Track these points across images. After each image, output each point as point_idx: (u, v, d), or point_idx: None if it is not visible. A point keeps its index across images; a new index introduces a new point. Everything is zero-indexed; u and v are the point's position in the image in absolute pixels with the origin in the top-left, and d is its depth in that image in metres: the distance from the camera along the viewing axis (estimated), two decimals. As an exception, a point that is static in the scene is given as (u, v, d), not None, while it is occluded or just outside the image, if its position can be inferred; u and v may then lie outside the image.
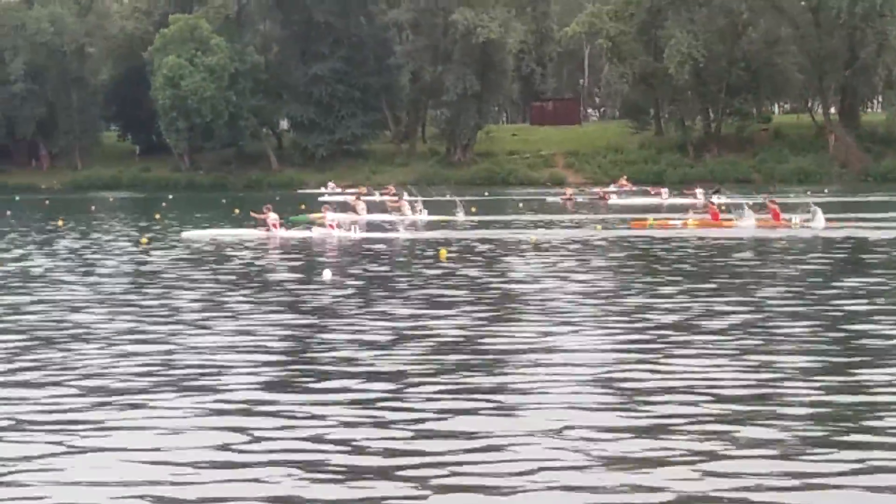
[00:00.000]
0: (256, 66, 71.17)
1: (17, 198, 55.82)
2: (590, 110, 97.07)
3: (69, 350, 10.78)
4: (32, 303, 14.55)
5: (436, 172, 67.74)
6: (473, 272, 17.89)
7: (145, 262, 20.62)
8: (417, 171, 67.81)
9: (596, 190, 50.11)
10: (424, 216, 33.84)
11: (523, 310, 13.42)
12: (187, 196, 58.45)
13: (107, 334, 11.71)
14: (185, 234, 27.29)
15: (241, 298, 14.80)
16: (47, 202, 51.15)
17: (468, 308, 13.28)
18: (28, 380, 9.38)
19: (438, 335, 11.31)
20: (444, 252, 20.89)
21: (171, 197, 54.52)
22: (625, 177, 57.77)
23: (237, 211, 38.60)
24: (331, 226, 27.51)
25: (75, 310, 13.63)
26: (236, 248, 23.64)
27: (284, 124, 78.90)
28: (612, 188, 52.07)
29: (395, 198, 38.98)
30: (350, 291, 15.49)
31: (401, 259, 21.42)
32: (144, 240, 24.70)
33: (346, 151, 71.64)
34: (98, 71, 78.82)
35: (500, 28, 65.74)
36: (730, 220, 29.59)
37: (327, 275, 17.28)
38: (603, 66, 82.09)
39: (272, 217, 27.39)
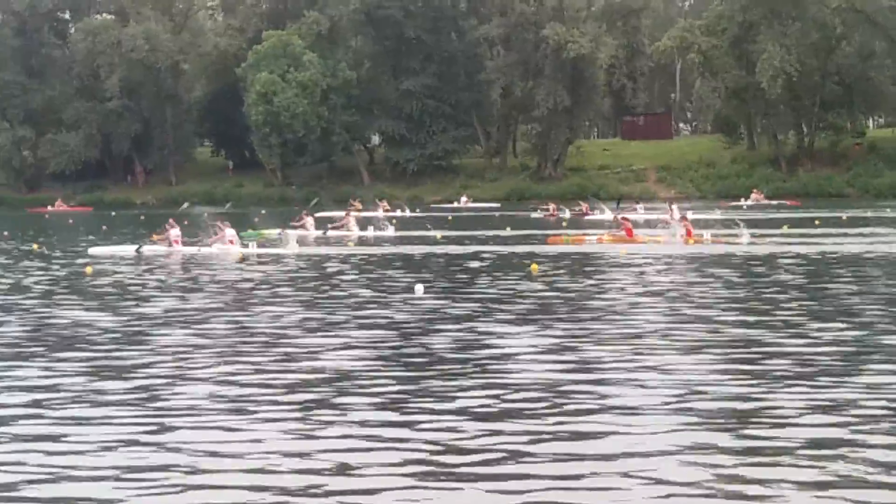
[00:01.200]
0: (348, 82, 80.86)
1: (113, 213, 65.24)
2: (681, 125, 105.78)
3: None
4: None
5: (527, 187, 76.48)
6: (563, 284, 19.98)
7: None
8: (508, 186, 76.89)
9: (583, 205, 54.02)
10: (389, 232, 38.67)
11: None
12: (280, 211, 64.24)
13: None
14: (91, 251, 31.36)
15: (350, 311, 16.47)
16: (143, 217, 58.25)
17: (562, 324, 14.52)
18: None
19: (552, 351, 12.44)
20: (535, 267, 23.15)
21: (263, 212, 60.07)
22: (755, 189, 65.95)
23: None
24: (230, 241, 31.24)
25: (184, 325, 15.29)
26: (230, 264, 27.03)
27: (376, 139, 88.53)
28: (747, 202, 60.51)
29: (345, 213, 43.54)
30: (445, 306, 16.89)
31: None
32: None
33: (436, 166, 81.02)
34: (192, 87, 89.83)
35: (590, 43, 74.34)
36: (645, 237, 33.55)
37: (419, 290, 18.55)
38: (695, 80, 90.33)
39: (174, 233, 31.96)
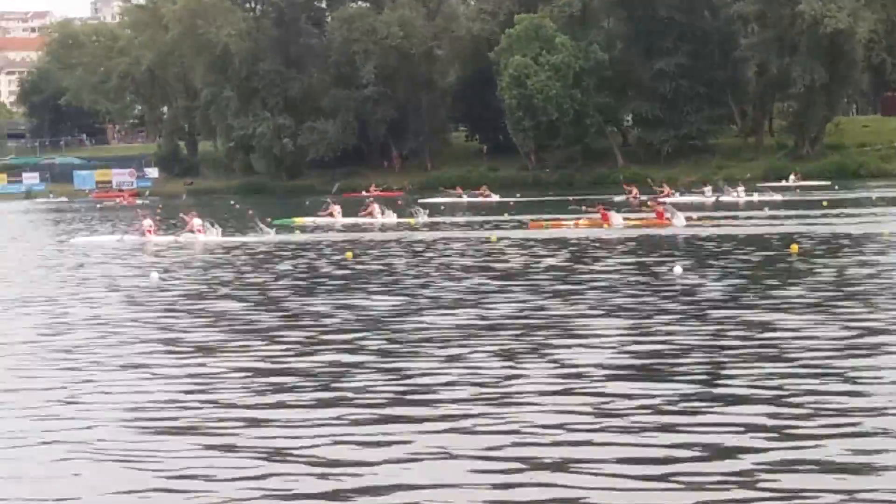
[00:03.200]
0: (601, 64, 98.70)
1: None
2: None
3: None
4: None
5: (784, 166, 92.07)
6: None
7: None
8: (765, 165, 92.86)
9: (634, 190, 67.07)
10: (392, 219, 49.73)
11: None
12: (534, 195, 76.97)
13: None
14: (74, 241, 42.02)
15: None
16: (399, 203, 70.83)
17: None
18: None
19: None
20: (795, 247, 30.34)
21: (518, 196, 74.20)
22: None
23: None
24: (199, 230, 39.75)
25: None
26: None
27: (629, 120, 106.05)
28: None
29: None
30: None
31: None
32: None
33: (691, 147, 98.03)
34: (446, 73, 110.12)
35: (848, 18, 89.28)
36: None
37: (678, 270, 24.31)
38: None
39: (146, 223, 41.42)
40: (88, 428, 12.01)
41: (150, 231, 41.46)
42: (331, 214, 52.03)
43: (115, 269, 31.30)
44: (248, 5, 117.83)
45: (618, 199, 63.95)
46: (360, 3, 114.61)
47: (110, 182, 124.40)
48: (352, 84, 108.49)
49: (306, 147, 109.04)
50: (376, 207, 51.59)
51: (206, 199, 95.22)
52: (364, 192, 78.76)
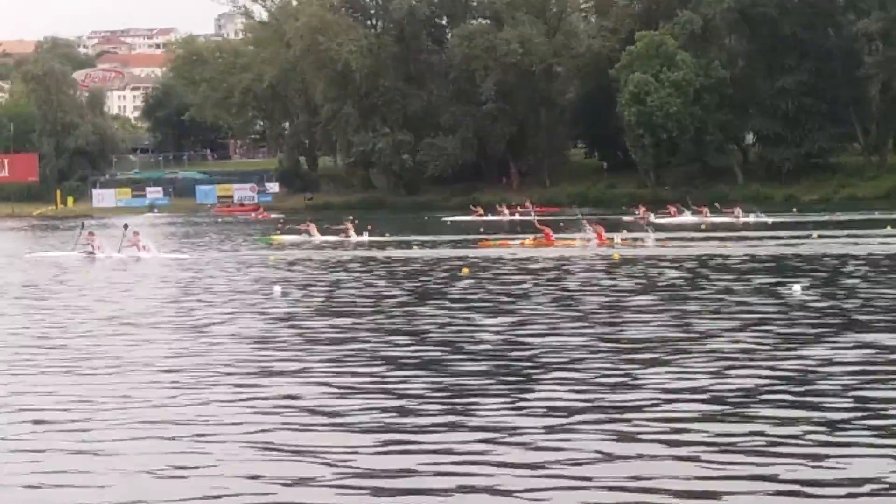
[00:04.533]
0: (722, 81, 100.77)
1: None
2: None
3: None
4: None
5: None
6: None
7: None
8: (888, 185, 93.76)
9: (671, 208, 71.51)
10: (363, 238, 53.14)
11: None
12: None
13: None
14: (28, 256, 44.98)
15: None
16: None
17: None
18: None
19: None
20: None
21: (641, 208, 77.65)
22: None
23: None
24: (146, 248, 42.42)
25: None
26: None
27: (750, 138, 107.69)
28: None
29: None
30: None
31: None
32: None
33: (813, 165, 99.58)
34: (566, 89, 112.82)
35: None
36: (565, 240, 45.79)
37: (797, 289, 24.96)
38: None
39: (95, 242, 43.65)
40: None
41: (99, 248, 43.66)
42: (307, 232, 55.61)
43: (233, 282, 32.60)
44: (369, 22, 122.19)
45: (626, 218, 68.35)
46: (480, 20, 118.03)
47: (232, 197, 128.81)
48: (471, 100, 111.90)
49: (425, 163, 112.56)
50: (351, 227, 55.26)
51: (326, 213, 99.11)
52: (505, 207, 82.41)
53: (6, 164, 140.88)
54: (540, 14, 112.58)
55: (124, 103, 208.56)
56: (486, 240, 48.24)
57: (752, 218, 66.56)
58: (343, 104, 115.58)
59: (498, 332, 19.71)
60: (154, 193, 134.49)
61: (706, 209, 70.71)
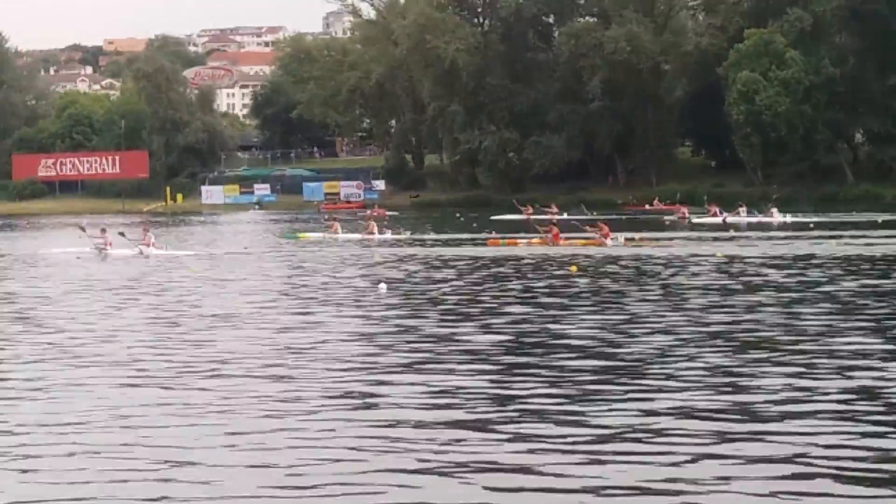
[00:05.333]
0: (832, 79, 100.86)
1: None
2: None
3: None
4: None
5: None
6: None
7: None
8: None
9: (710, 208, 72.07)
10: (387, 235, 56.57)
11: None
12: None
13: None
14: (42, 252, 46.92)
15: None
16: (623, 218, 77.79)
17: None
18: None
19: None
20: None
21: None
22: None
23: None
24: (152, 244, 44.74)
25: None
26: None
27: (860, 137, 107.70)
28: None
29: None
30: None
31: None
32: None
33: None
34: (673, 87, 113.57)
35: None
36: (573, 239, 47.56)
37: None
38: None
39: (106, 237, 46.34)
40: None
41: (109, 244, 46.12)
42: (334, 230, 58.25)
43: (338, 276, 34.11)
44: (476, 20, 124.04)
45: (668, 218, 70.01)
46: (587, 17, 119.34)
47: (338, 194, 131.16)
48: (578, 98, 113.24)
49: (531, 161, 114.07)
50: (374, 226, 57.93)
51: (432, 211, 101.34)
52: (647, 206, 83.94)
53: (117, 161, 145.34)
54: (648, 12, 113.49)
55: (233, 101, 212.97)
56: (495, 238, 49.78)
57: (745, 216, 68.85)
58: (449, 102, 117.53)
59: (606, 331, 20.30)
60: (262, 190, 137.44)
61: (742, 209, 71.64)
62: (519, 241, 48.39)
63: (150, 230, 47.97)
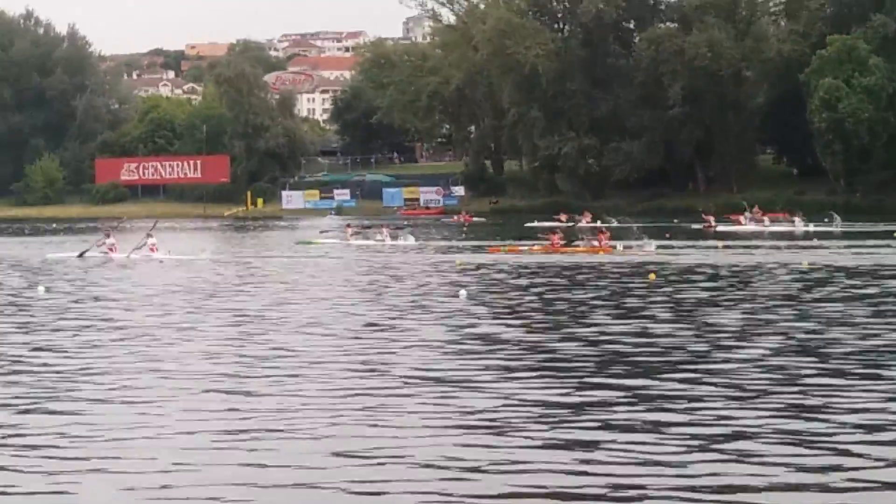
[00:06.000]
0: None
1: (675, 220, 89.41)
2: None
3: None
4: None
5: None
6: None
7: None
8: None
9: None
10: (410, 241, 57.62)
11: None
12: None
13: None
14: (49, 256, 48.92)
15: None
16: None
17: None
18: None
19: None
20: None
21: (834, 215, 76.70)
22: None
23: None
24: (152, 249, 46.55)
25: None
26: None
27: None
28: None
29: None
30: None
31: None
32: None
33: None
34: (754, 94, 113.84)
35: None
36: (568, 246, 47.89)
37: None
38: None
39: (108, 242, 47.58)
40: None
41: (111, 249, 47.21)
42: (348, 237, 60.49)
43: (414, 284, 34.26)
44: (556, 26, 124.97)
45: (695, 226, 72.10)
46: (668, 23, 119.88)
47: (418, 200, 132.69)
48: (658, 105, 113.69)
49: (611, 167, 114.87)
50: (386, 231, 59.68)
51: (510, 217, 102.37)
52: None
53: (199, 166, 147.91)
54: (729, 17, 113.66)
55: (313, 105, 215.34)
56: (496, 246, 50.19)
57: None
58: (529, 108, 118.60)
59: (684, 340, 20.54)
60: (342, 196, 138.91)
61: (766, 217, 73.65)
62: (520, 247, 48.74)
63: (153, 235, 49.22)
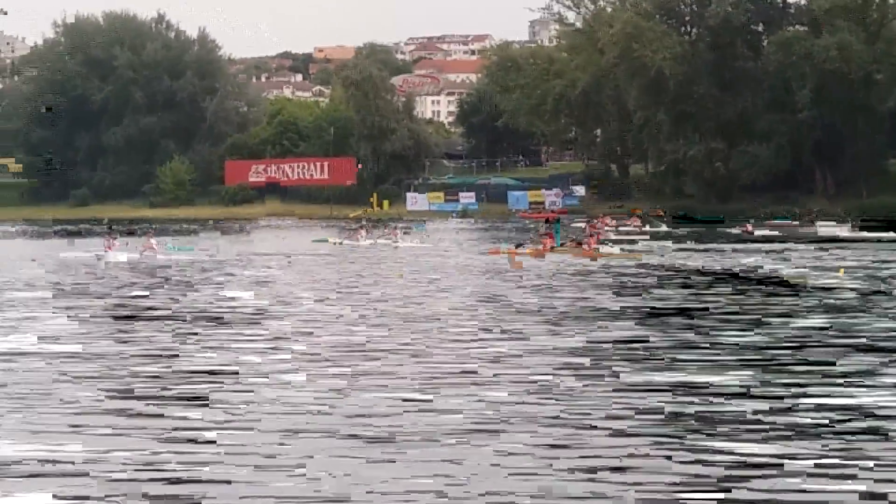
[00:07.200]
0: None
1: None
2: None
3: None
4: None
5: None
6: None
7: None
8: None
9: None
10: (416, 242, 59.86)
11: None
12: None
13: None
14: (62, 255, 49.40)
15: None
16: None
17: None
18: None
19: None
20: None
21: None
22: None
23: None
24: (153, 248, 48.23)
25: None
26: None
27: None
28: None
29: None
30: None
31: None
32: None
33: None
34: (885, 98, 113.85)
35: None
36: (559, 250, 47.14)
37: None
38: None
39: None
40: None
41: (109, 248, 47.37)
42: (357, 237, 61.94)
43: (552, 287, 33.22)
44: (683, 29, 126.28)
45: (734, 231, 72.04)
46: (797, 26, 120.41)
47: (543, 203, 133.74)
48: (786, 108, 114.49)
49: (738, 171, 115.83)
50: (399, 232, 62.69)
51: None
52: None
53: (326, 168, 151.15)
54: (859, 20, 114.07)
55: (439, 108, 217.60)
56: (496, 249, 50.42)
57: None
58: (656, 111, 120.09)
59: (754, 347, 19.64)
60: (467, 198, 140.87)
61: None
62: (517, 250, 48.20)
63: (152, 236, 51.12)
